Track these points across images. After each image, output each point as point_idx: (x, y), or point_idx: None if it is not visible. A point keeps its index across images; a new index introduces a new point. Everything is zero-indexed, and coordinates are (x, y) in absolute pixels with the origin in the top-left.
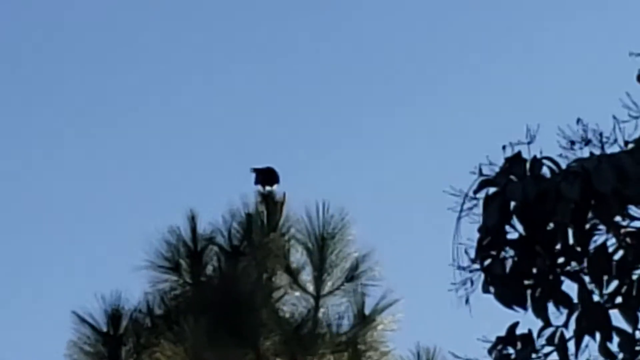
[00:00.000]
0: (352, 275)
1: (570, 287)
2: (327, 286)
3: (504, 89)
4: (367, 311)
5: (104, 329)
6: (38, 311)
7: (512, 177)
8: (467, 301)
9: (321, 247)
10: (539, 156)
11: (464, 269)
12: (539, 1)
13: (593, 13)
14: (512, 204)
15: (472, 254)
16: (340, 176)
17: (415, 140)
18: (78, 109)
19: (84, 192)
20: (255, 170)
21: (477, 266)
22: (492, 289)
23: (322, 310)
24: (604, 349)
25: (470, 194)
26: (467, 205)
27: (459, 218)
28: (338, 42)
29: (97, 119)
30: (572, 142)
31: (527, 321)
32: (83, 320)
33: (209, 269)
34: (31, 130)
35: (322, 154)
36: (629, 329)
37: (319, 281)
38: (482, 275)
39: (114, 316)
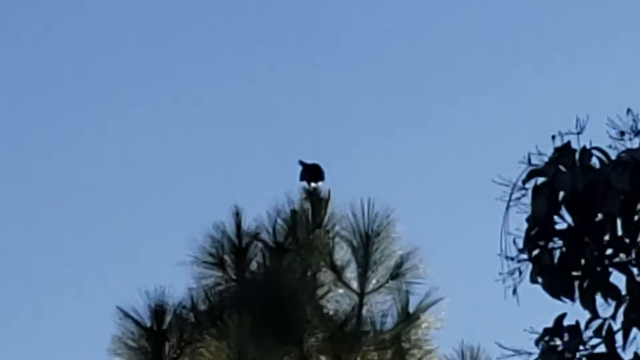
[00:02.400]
0: (396, 273)
1: (618, 279)
2: (372, 284)
3: (554, 78)
4: (411, 309)
5: (148, 324)
6: (83, 306)
7: (561, 167)
8: (514, 291)
9: (366, 244)
10: (588, 146)
11: (512, 259)
12: None
13: None
14: (561, 194)
15: (521, 244)
16: (385, 173)
17: (463, 130)
18: (124, 105)
19: (129, 188)
20: (302, 164)
21: (525, 256)
22: (540, 280)
23: (366, 307)
24: None
25: (519, 183)
26: (516, 195)
27: (507, 208)
28: (381, 35)
29: (142, 115)
30: (622, 133)
31: (575, 312)
32: (127, 315)
33: (254, 265)
34: (77, 125)
35: (367, 150)
36: None
37: (363, 278)
38: (530, 266)
39: (158, 311)
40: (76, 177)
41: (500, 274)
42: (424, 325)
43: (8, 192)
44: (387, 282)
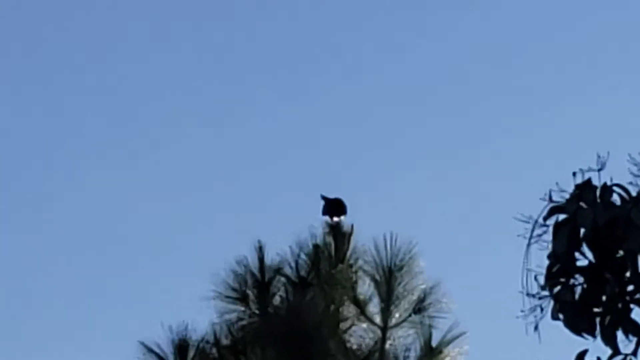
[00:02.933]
0: (419, 307)
1: (639, 315)
2: (395, 318)
3: (575, 115)
4: (434, 343)
5: (171, 359)
6: (105, 340)
7: (582, 203)
8: (536, 328)
9: (388, 278)
10: (609, 183)
11: (533, 295)
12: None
13: None
14: (582, 230)
15: (542, 281)
16: (408, 208)
17: (485, 166)
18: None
19: (153, 223)
20: (324, 199)
21: (546, 293)
22: (561, 316)
23: (389, 342)
24: None
25: (540, 220)
26: (537, 232)
27: (528, 245)
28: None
29: (165, 148)
30: None
31: (596, 349)
32: (150, 350)
33: (277, 300)
34: (101, 154)
35: (390, 184)
36: None
37: (386, 313)
38: (552, 302)
39: (181, 346)
40: (100, 210)
41: (522, 310)
42: (447, 359)
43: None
44: (409, 316)
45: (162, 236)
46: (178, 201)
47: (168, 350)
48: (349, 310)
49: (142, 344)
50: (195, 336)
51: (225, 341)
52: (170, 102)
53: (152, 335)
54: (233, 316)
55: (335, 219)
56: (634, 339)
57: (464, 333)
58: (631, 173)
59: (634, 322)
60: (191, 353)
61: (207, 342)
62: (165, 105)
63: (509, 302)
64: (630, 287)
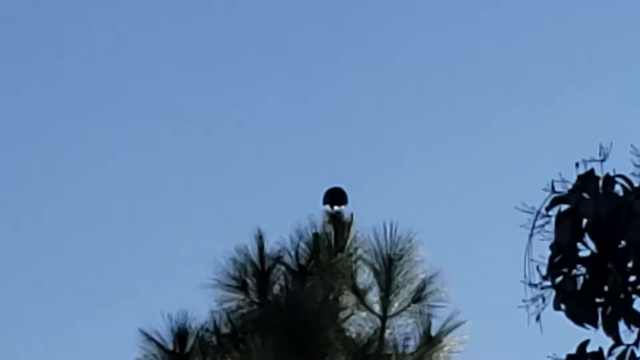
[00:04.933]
0: (419, 297)
1: None
2: (394, 307)
3: (577, 106)
4: (433, 332)
5: (171, 347)
6: (105, 329)
7: (584, 194)
8: (538, 318)
9: (388, 267)
10: (611, 174)
11: (535, 286)
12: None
13: None
14: (585, 221)
15: (544, 271)
16: (408, 196)
17: (486, 156)
18: (151, 127)
19: (153, 211)
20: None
21: (548, 283)
22: (563, 306)
23: (388, 331)
24: None
25: (543, 211)
26: (539, 222)
27: (531, 235)
28: (403, 57)
29: (166, 137)
30: None
31: (598, 339)
32: (150, 339)
33: (276, 288)
34: (103, 145)
35: (390, 174)
36: None
37: (385, 302)
38: (554, 293)
39: (181, 334)
40: (101, 198)
41: (524, 300)
42: (446, 348)
43: (36, 214)
44: (409, 305)
45: (162, 225)
46: (178, 190)
47: (168, 338)
48: (349, 299)
49: (142, 332)
50: (195, 324)
51: (224, 329)
52: (173, 87)
53: (152, 324)
54: (233, 304)
55: (336, 208)
56: (636, 330)
57: (463, 322)
58: (634, 164)
59: (636, 312)
60: (191, 341)
61: (207, 330)
62: (166, 93)
63: (510, 292)
64: (633, 278)
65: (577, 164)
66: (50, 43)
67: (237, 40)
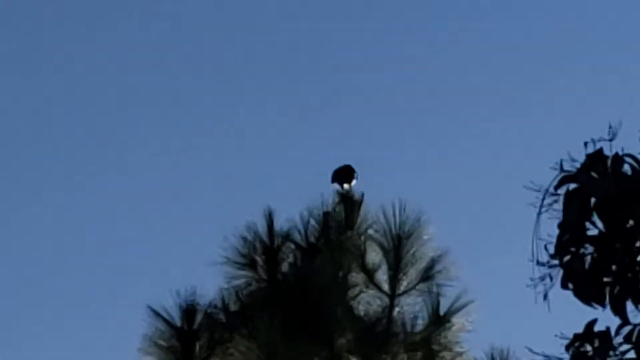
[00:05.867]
0: (427, 275)
1: None
2: (402, 285)
3: (586, 85)
4: (441, 311)
5: (179, 324)
6: (114, 305)
7: (593, 173)
8: (545, 297)
9: (397, 246)
10: (620, 153)
11: (543, 264)
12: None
13: None
14: (593, 200)
15: (552, 250)
16: (417, 175)
17: (495, 135)
18: (163, 110)
19: (161, 189)
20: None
21: (556, 262)
22: (571, 285)
23: (396, 309)
24: None
25: (551, 189)
26: (548, 201)
27: (539, 214)
28: (415, 43)
29: (174, 116)
30: None
31: (606, 318)
32: (158, 315)
33: (285, 266)
34: (113, 129)
35: (399, 153)
36: None
37: (394, 280)
38: (562, 272)
39: (189, 311)
40: (109, 180)
41: (532, 279)
42: (454, 327)
43: (48, 199)
44: (418, 284)
45: (172, 203)
46: (189, 168)
47: (176, 315)
48: (357, 277)
49: (150, 308)
50: (203, 301)
51: (233, 307)
52: (183, 79)
53: (160, 300)
54: (241, 282)
55: (346, 185)
56: None
57: (471, 302)
58: None
59: None
60: (199, 318)
61: (215, 307)
62: (178, 80)
63: (518, 270)
64: None
65: (585, 143)
66: (50, 44)
67: (243, 32)
